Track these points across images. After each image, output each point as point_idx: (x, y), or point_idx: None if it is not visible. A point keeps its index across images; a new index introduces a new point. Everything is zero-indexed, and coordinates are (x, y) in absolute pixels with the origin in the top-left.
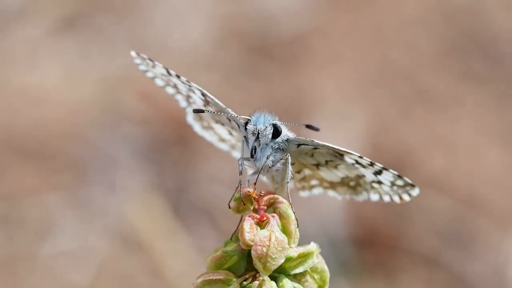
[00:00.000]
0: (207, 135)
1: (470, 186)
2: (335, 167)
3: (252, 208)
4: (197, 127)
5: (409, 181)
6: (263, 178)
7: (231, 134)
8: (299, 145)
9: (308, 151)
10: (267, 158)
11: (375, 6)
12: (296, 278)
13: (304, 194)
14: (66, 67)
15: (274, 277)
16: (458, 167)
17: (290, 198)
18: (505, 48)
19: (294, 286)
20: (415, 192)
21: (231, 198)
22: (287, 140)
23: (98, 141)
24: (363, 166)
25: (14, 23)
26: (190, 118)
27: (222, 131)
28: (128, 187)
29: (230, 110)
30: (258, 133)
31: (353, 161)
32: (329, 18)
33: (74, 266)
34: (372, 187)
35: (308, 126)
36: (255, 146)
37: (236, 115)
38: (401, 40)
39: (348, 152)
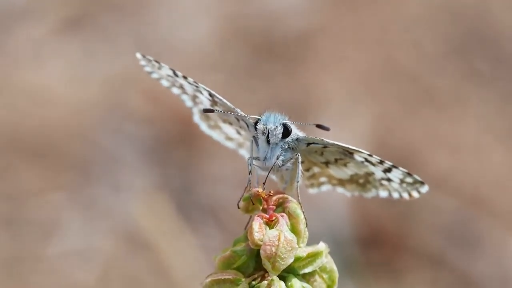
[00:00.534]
0: (214, 134)
1: (475, 185)
2: (345, 165)
3: (261, 208)
4: (203, 126)
5: (418, 178)
6: (273, 177)
7: (239, 133)
8: (308, 144)
9: (318, 149)
10: (277, 158)
11: (380, 5)
12: (305, 278)
13: (312, 191)
14: (71, 66)
15: (283, 277)
16: (463, 166)
17: (299, 198)
18: (510, 48)
19: (303, 286)
20: (424, 189)
21: (240, 198)
22: (297, 139)
23: (103, 141)
24: (373, 164)
25: (18, 22)
26: (197, 117)
27: (229, 130)
28: (133, 187)
29: (239, 110)
30: (268, 133)
31: (363, 159)
32: (334, 17)
33: (80, 266)
34: (381, 184)
35: (319, 126)
36: (265, 146)
37: (245, 115)
38: (406, 40)
39: (358, 151)
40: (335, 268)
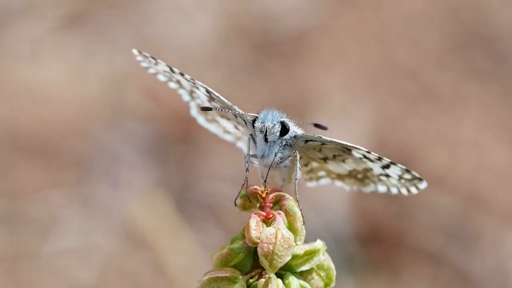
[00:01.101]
0: (212, 127)
1: (474, 183)
2: (343, 161)
3: (258, 205)
4: (201, 120)
5: (417, 175)
6: (271, 173)
7: (236, 128)
8: (306, 141)
9: (316, 146)
10: (275, 155)
11: (379, 3)
12: (303, 275)
13: (311, 184)
14: (70, 64)
15: (280, 275)
16: (462, 164)
17: (297, 195)
18: (510, 45)
19: (300, 284)
20: (423, 185)
21: (237, 196)
22: (294, 136)
23: (103, 139)
24: (371, 161)
25: (17, 20)
26: (194, 111)
27: (227, 124)
28: (132, 185)
29: (236, 107)
30: (266, 131)
31: (361, 156)
32: (333, 15)
33: (78, 264)
34: (380, 180)
35: (317, 125)
36: (262, 144)
37: (243, 113)
38: (406, 37)
39: (356, 148)
40: (332, 265)
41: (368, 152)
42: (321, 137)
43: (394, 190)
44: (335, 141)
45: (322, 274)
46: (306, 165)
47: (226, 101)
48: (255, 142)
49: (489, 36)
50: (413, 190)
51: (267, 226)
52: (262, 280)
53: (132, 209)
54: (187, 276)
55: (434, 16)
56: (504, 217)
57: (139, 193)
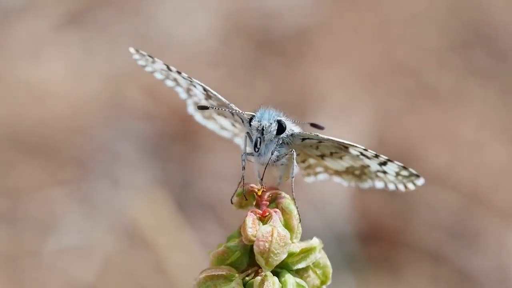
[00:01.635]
0: (209, 124)
1: (474, 180)
2: (340, 158)
3: (254, 203)
4: (198, 117)
5: (414, 171)
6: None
7: (234, 125)
8: (303, 139)
9: (313, 144)
10: (272, 154)
11: (380, 1)
12: (299, 273)
13: (309, 179)
14: (70, 62)
15: (276, 273)
16: (462, 161)
17: (293, 193)
18: (509, 44)
19: (296, 281)
20: (420, 181)
21: (234, 194)
22: (291, 134)
23: (103, 137)
24: (368, 158)
25: (18, 18)
26: (191, 108)
27: (224, 122)
28: (132, 183)
29: (233, 106)
30: (263, 130)
31: (358, 153)
32: (333, 13)
33: (79, 262)
34: (377, 176)
35: (313, 125)
36: (259, 142)
37: (240, 111)
38: (406, 35)
39: (353, 145)
40: (328, 263)
41: (365, 150)
42: (318, 135)
43: (391, 186)
44: (331, 139)
45: (319, 272)
46: (303, 161)
47: (223, 99)
48: (251, 140)
49: (489, 34)
50: (410, 186)
51: (263, 224)
52: (258, 278)
53: (132, 207)
54: (187, 274)
55: (435, 14)
56: (504, 215)
57: (139, 191)
